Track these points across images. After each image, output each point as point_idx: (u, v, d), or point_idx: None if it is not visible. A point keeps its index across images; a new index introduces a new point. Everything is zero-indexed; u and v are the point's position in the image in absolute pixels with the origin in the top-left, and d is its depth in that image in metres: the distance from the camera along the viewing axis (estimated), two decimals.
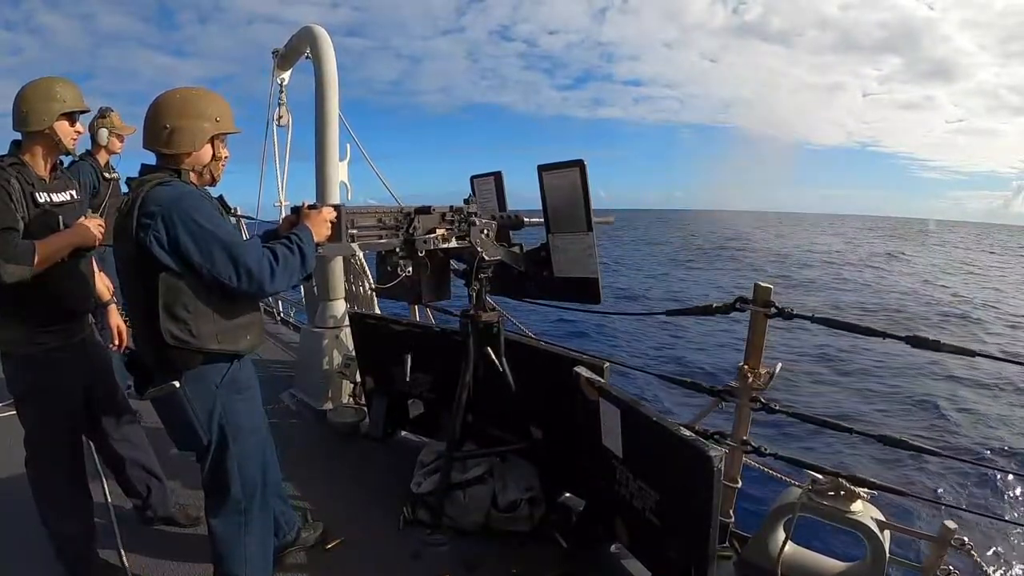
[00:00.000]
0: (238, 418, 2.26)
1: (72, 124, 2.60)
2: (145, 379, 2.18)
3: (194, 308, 2.02)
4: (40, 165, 2.57)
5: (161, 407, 2.20)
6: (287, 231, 2.32)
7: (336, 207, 2.48)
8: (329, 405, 4.78)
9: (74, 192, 2.71)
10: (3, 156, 2.51)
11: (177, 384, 2.08)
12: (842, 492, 2.64)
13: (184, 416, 2.15)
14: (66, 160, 3.14)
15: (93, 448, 3.03)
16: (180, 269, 1.98)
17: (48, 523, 2.72)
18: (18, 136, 2.55)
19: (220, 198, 2.31)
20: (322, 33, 4.71)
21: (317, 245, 2.32)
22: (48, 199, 2.54)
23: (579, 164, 2.90)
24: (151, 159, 2.17)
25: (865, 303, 24.63)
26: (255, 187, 6.59)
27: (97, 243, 2.66)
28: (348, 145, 4.98)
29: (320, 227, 2.36)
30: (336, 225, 2.45)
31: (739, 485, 3.03)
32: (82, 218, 2.63)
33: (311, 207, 2.41)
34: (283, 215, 6.82)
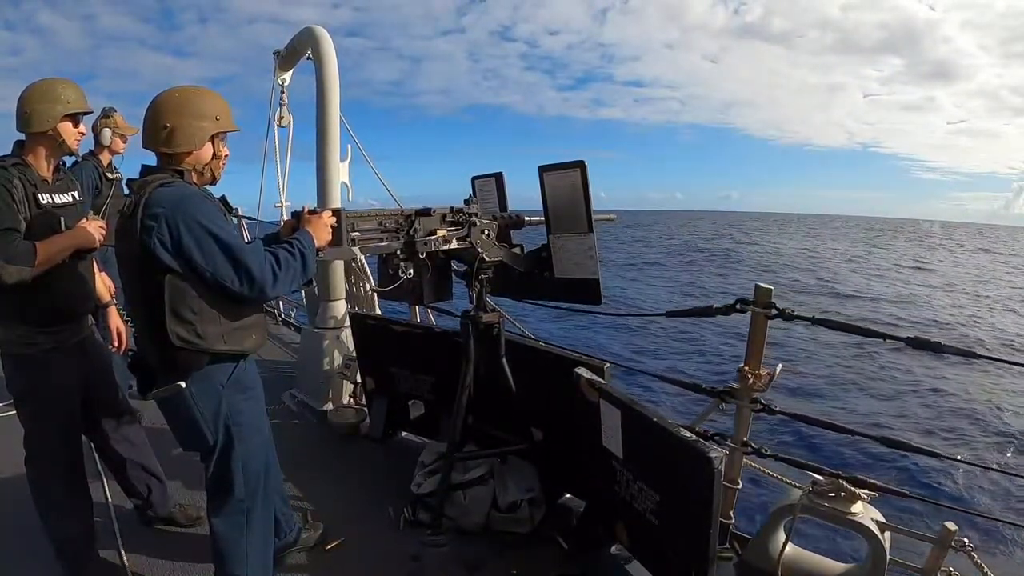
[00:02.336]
0: (243, 418, 2.27)
1: (75, 125, 2.61)
2: (148, 380, 2.19)
3: (199, 309, 2.03)
4: (43, 166, 2.58)
5: (166, 408, 2.21)
6: (288, 235, 2.33)
7: (336, 211, 2.48)
8: (330, 406, 4.78)
9: (76, 193, 2.72)
10: (6, 156, 2.52)
11: (183, 384, 2.09)
12: (842, 493, 2.64)
13: (190, 416, 2.16)
14: (68, 160, 3.15)
15: (93, 448, 3.03)
16: (183, 271, 1.99)
17: (48, 523, 2.72)
18: (22, 136, 2.55)
19: (223, 198, 2.32)
20: (323, 34, 4.71)
21: (318, 250, 2.33)
22: (50, 200, 2.54)
23: (580, 165, 2.90)
24: (153, 159, 2.18)
25: (920, 318, 22.84)
26: (256, 187, 6.59)
27: (98, 245, 2.66)
28: (349, 146, 4.99)
29: (321, 232, 2.36)
30: (337, 229, 2.45)
31: (739, 486, 3.02)
32: (83, 220, 2.64)
33: (311, 212, 2.41)
34: (283, 215, 6.82)
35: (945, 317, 23.20)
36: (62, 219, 2.56)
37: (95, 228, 2.63)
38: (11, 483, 3.36)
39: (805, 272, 37.58)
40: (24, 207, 2.43)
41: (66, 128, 2.56)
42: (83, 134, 2.68)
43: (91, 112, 2.70)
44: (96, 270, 2.88)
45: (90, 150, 4.61)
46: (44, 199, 2.51)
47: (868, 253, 58.48)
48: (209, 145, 2.21)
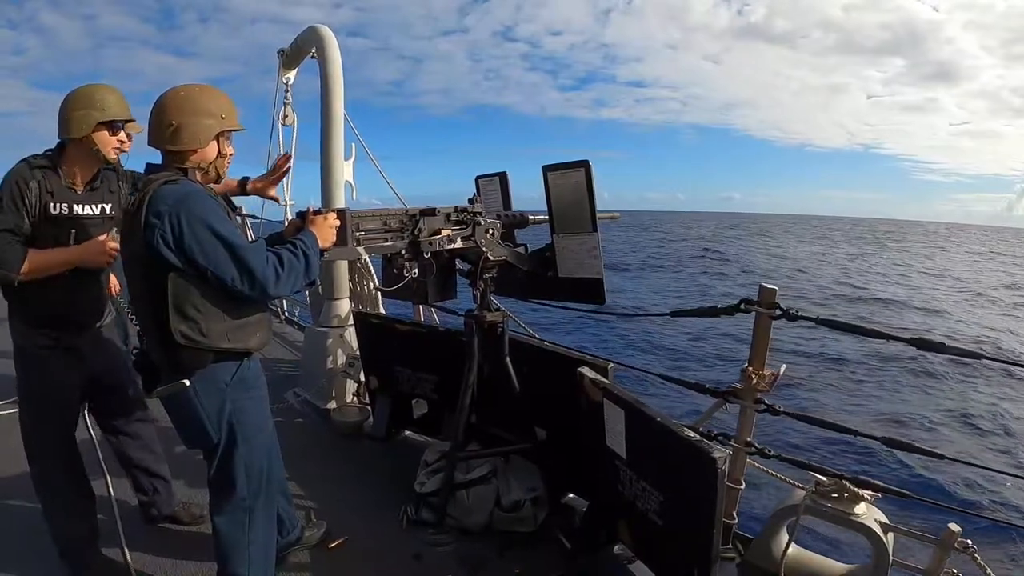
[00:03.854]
0: (247, 416, 2.27)
1: (114, 133, 2.54)
2: (153, 378, 2.19)
3: (204, 307, 2.03)
4: (75, 173, 2.54)
5: (170, 405, 2.20)
6: (292, 236, 2.33)
7: (340, 211, 2.49)
8: (333, 404, 4.79)
9: (108, 206, 2.64)
10: (39, 155, 2.50)
11: (187, 383, 2.09)
12: (845, 494, 2.64)
13: (194, 414, 2.15)
14: None
15: (97, 446, 3.03)
16: (187, 268, 1.98)
17: (51, 522, 2.73)
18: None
19: (226, 197, 2.32)
20: (328, 33, 4.73)
21: (322, 251, 2.33)
22: (64, 210, 2.49)
23: (584, 165, 2.91)
24: (157, 158, 2.18)
25: (967, 335, 20.35)
26: None
27: (105, 265, 2.61)
28: (353, 145, 4.99)
29: (325, 233, 2.36)
30: (341, 229, 2.45)
31: (742, 487, 3.02)
32: (101, 236, 2.56)
33: (316, 212, 2.42)
34: (287, 215, 6.82)
35: (993, 334, 21.22)
36: (73, 232, 2.52)
37: (107, 248, 2.56)
38: (15, 482, 3.37)
39: (828, 279, 35.87)
40: (35, 211, 2.41)
41: (101, 136, 2.50)
42: (122, 142, 2.59)
43: (131, 120, 2.64)
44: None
45: None
46: (56, 209, 2.46)
47: (887, 260, 55.95)
48: (214, 143, 2.21)
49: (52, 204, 2.46)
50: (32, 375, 2.63)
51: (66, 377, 2.65)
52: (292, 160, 3.22)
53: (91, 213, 2.59)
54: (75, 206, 2.53)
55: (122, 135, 2.58)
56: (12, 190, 2.37)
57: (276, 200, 3.14)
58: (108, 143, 2.54)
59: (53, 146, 2.55)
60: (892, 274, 41.41)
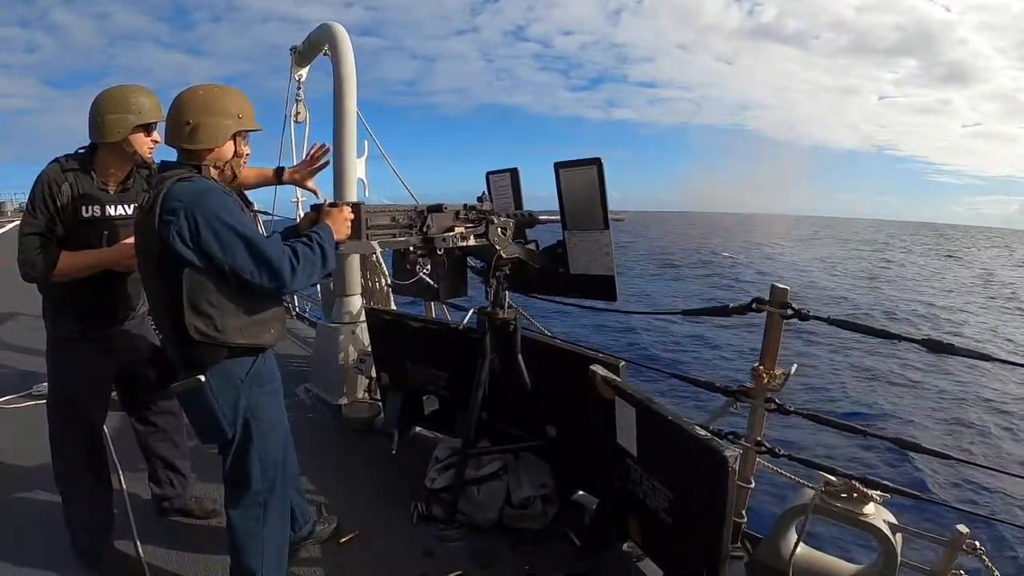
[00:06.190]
0: (262, 412, 2.28)
1: (148, 134, 2.57)
2: (168, 374, 2.21)
3: (219, 303, 2.04)
4: (108, 174, 2.57)
5: (185, 401, 2.21)
6: (307, 229, 2.35)
7: (355, 206, 2.50)
8: (344, 400, 4.81)
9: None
10: (72, 157, 2.52)
11: (202, 378, 2.10)
12: (855, 494, 2.63)
13: (209, 410, 2.16)
14: None
15: (109, 441, 3.05)
16: (202, 265, 2.00)
17: (67, 509, 2.77)
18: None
19: (240, 193, 2.33)
20: (341, 31, 4.75)
21: (337, 244, 2.34)
22: (96, 212, 2.53)
23: (596, 162, 2.91)
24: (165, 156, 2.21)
25: None
26: None
27: (132, 269, 2.59)
28: (366, 142, 5.01)
29: (340, 226, 2.37)
30: (355, 223, 2.47)
31: (752, 486, 3.02)
32: (129, 239, 2.54)
33: (331, 205, 2.43)
34: (299, 211, 6.86)
35: None
36: (105, 234, 2.55)
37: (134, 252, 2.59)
38: (29, 473, 3.42)
39: (875, 292, 34.76)
40: (67, 215, 2.44)
41: (138, 139, 2.53)
42: (156, 142, 2.62)
43: (163, 120, 2.66)
44: None
45: None
46: (88, 211, 2.50)
47: (939, 270, 54.61)
48: (231, 143, 2.23)
49: (84, 207, 2.49)
50: (61, 365, 2.67)
51: (94, 368, 2.68)
52: (304, 156, 3.22)
53: (123, 213, 2.62)
54: (107, 207, 2.56)
55: (156, 135, 2.60)
56: (43, 192, 2.40)
57: (315, 192, 3.13)
58: (144, 144, 2.57)
59: (84, 146, 2.57)
60: (961, 289, 40.00)
